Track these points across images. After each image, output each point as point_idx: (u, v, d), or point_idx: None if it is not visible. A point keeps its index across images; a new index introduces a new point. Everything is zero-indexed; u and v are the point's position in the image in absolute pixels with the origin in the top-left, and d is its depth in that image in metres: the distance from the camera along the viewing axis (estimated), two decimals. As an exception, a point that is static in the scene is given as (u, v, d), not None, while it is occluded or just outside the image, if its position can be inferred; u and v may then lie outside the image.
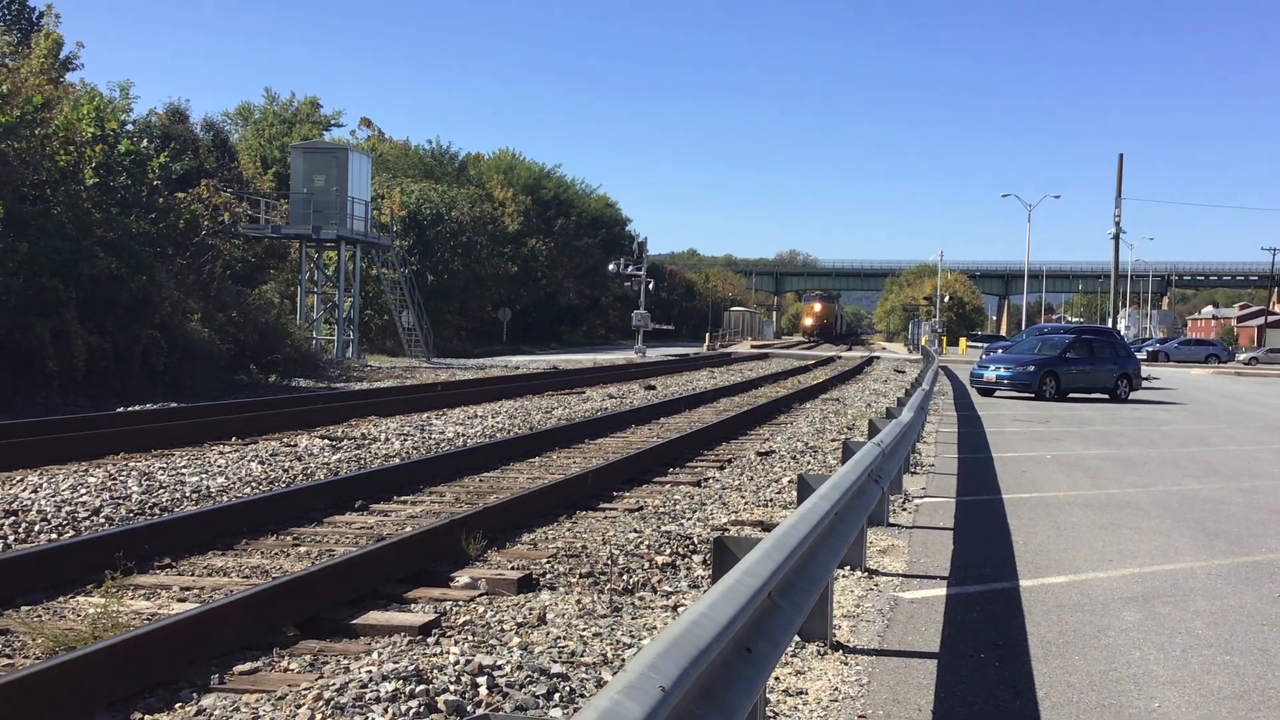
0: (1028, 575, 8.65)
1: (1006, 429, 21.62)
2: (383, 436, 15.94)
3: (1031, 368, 31.36)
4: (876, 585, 8.17)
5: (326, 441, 15.01)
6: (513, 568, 8.06)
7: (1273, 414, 28.46)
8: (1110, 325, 58.14)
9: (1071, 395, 31.64)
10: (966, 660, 6.36)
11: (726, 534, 7.56)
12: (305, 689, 5.26)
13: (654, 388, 29.04)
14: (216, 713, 5.08)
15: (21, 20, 45.46)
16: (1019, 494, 12.99)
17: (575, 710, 5.15)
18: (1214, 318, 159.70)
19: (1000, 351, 40.30)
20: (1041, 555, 9.48)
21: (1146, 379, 37.51)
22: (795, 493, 11.27)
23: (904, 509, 11.56)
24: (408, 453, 14.38)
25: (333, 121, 71.91)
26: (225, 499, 10.56)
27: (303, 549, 8.69)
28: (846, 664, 6.22)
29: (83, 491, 10.52)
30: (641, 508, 10.83)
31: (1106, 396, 31.84)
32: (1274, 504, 12.81)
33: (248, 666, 5.77)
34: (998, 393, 31.89)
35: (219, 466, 12.54)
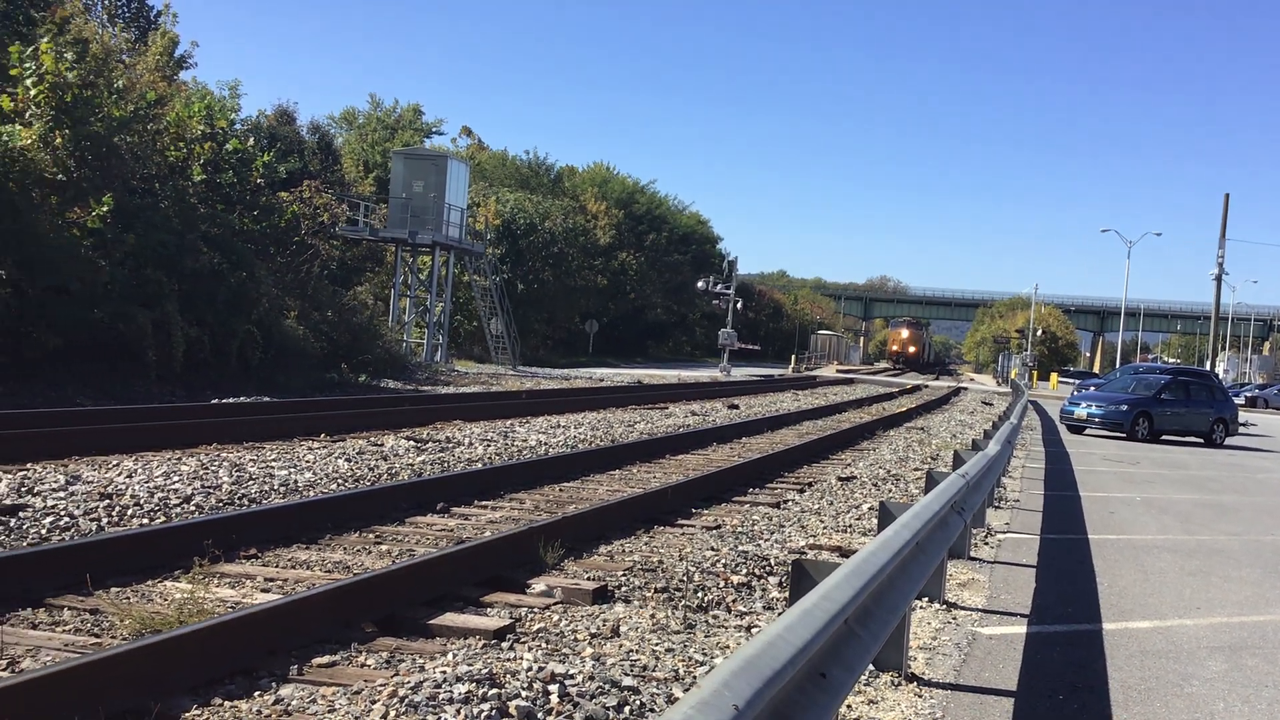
0: (1111, 618, 8.46)
1: (1096, 468, 21.18)
2: (466, 441, 16.12)
3: (1124, 407, 30.69)
4: (955, 619, 8.06)
5: (412, 443, 15.23)
6: (589, 578, 8.09)
7: (1377, 467, 27.46)
8: (1208, 368, 56.65)
9: (1164, 437, 30.90)
10: (1044, 700, 6.24)
11: (805, 557, 7.52)
12: (381, 685, 5.34)
13: (737, 407, 28.97)
14: (294, 703, 5.18)
15: (140, 18, 46.93)
16: (1106, 535, 12.71)
17: (645, 724, 5.16)
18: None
19: (1093, 389, 39.49)
20: (1126, 599, 9.27)
21: (1243, 425, 36.46)
22: (875, 520, 11.16)
23: (986, 543, 11.39)
24: (490, 458, 14.53)
25: (434, 129, 73.17)
26: (312, 494, 10.77)
27: (384, 547, 8.83)
28: (921, 696, 6.14)
29: (175, 479, 10.80)
30: (719, 526, 10.81)
31: (1201, 440, 31.04)
32: (1374, 561, 12.36)
33: (326, 660, 5.87)
34: (1088, 431, 31.27)
35: (307, 462, 12.79)
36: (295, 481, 11.35)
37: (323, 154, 50.98)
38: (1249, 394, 74.18)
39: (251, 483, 11.03)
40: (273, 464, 12.37)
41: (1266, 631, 8.44)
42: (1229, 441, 31.40)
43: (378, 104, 73.15)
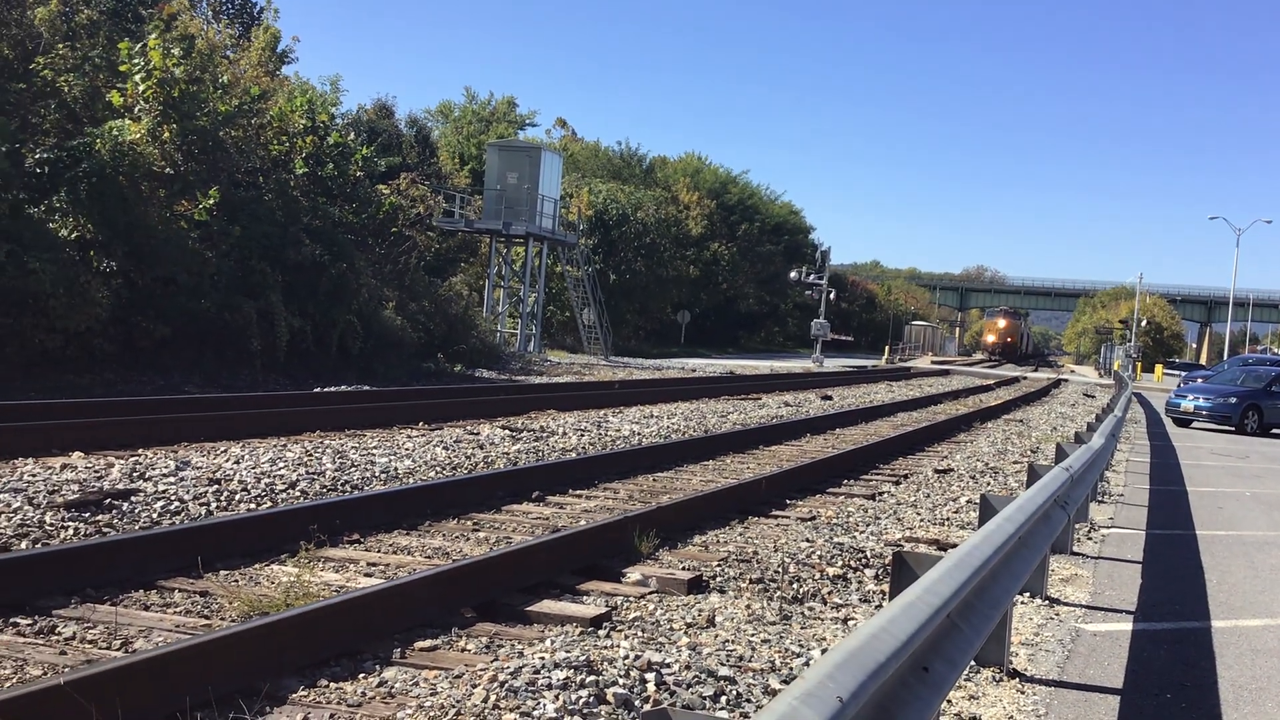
0: (1220, 616, 8.24)
1: (1203, 462, 20.60)
2: (560, 430, 16.23)
3: (1233, 399, 29.83)
4: (1057, 615, 7.91)
5: (507, 432, 15.38)
6: (683, 568, 8.11)
7: None
8: (1322, 359, 54.68)
9: (1274, 431, 29.95)
10: (1151, 699, 6.10)
11: (904, 549, 7.43)
12: (481, 670, 5.41)
13: (830, 398, 28.74)
14: (397, 685, 5.27)
15: (244, 15, 47.96)
16: (1214, 530, 12.36)
17: (743, 714, 5.15)
18: None
19: (1199, 381, 38.41)
20: (1236, 596, 9.01)
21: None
22: (973, 513, 11.00)
23: (1089, 538, 11.15)
24: (584, 448, 14.61)
25: (528, 121, 73.79)
26: (411, 481, 10.95)
27: (482, 534, 8.94)
28: (1023, 693, 6.04)
29: (281, 465, 11.06)
30: (814, 517, 10.75)
31: (1314, 435, 30.04)
32: None
33: (427, 644, 5.96)
34: (1195, 424, 30.46)
35: (406, 449, 12.99)
36: (395, 469, 11.55)
37: (420, 147, 51.66)
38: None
39: (354, 469, 11.24)
40: (374, 451, 12.60)
41: (1386, 633, 8.13)
42: (1344, 436, 30.34)
43: (473, 97, 73.98)
